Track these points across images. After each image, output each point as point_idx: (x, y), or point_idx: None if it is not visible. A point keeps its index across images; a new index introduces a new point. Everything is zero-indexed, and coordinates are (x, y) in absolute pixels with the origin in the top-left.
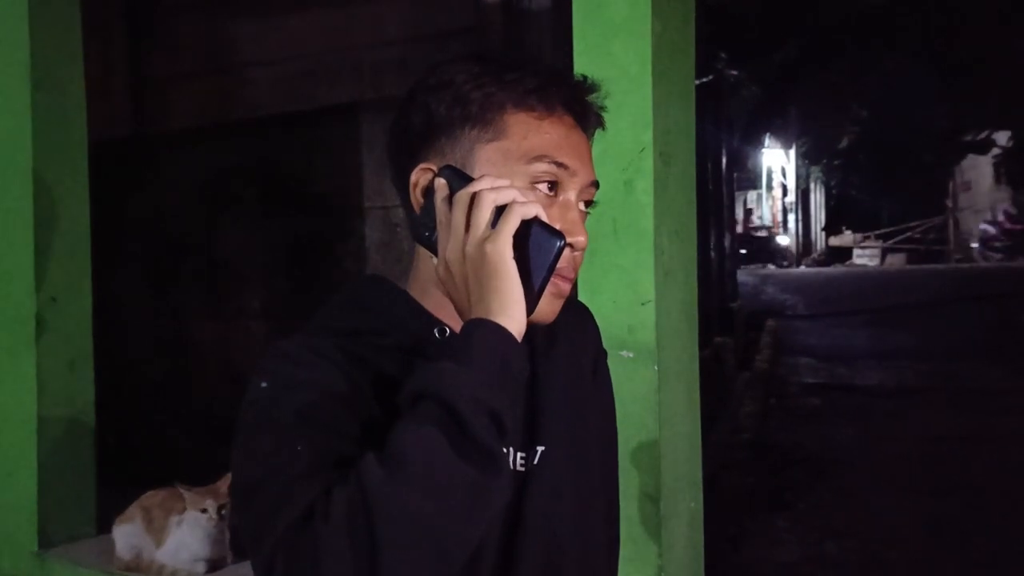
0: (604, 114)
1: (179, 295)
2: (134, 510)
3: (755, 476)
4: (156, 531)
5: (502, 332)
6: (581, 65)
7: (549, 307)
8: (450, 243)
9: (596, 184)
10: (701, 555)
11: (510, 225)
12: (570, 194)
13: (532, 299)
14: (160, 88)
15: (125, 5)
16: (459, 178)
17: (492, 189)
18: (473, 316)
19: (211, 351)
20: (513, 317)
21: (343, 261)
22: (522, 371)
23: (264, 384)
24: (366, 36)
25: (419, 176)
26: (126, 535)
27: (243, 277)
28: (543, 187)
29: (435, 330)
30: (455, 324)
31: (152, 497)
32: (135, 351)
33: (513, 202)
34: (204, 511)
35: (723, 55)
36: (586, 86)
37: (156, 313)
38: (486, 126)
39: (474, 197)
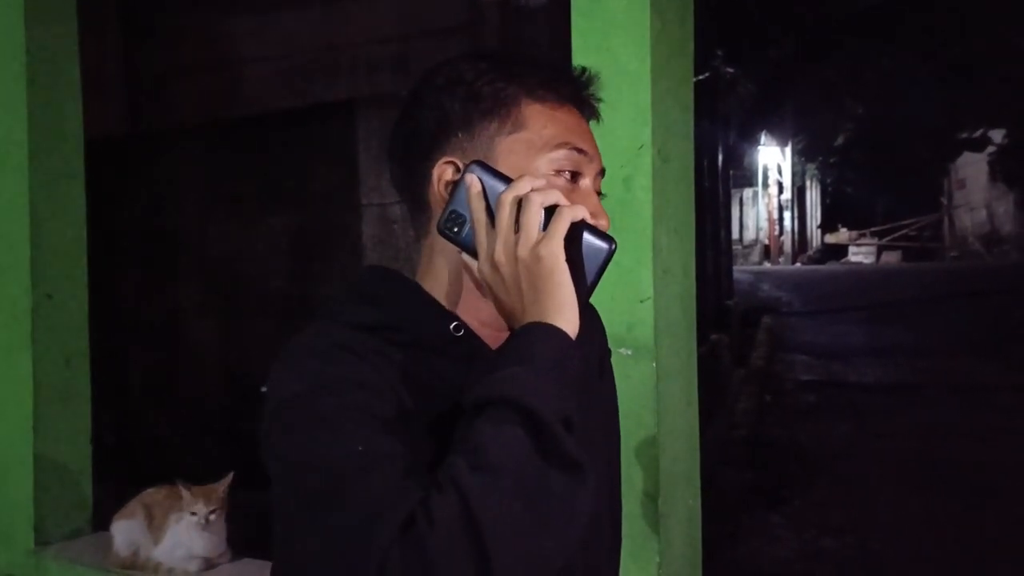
0: (602, 110)
1: (175, 291)
2: (135, 507)
3: (751, 472)
4: (156, 529)
5: (563, 336)
6: (580, 62)
7: None
8: (499, 245)
9: (604, 172)
10: (699, 552)
11: (562, 227)
12: (588, 180)
13: (582, 301)
14: (156, 85)
15: (120, 1)
16: (490, 174)
17: (538, 191)
18: (527, 319)
19: (207, 347)
20: (569, 320)
21: (339, 257)
22: (580, 375)
23: (302, 383)
24: (362, 33)
25: (443, 170)
26: (125, 531)
27: (239, 274)
28: (566, 175)
29: (451, 326)
30: (472, 321)
31: (154, 494)
32: (132, 348)
33: (560, 204)
34: (193, 514)
35: (719, 52)
36: (587, 78)
37: (152, 310)
38: (504, 119)
39: (521, 199)
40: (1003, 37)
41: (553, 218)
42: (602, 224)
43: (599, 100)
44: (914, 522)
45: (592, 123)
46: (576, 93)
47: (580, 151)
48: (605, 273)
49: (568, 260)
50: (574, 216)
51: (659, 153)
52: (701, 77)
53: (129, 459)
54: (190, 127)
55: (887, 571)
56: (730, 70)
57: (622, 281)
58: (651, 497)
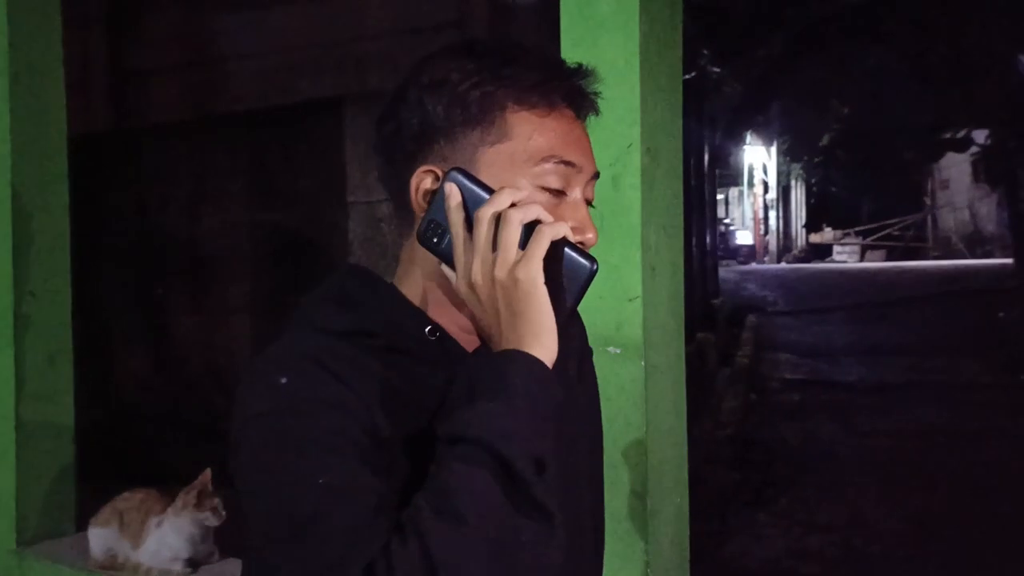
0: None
1: (160, 290)
2: (108, 514)
3: (737, 471)
4: (132, 535)
5: (539, 366)
6: (568, 59)
7: None
8: (476, 265)
9: (597, 175)
10: (687, 551)
11: (541, 248)
12: (576, 192)
13: (562, 323)
14: (141, 81)
15: None
16: (472, 182)
17: (517, 208)
18: (504, 343)
19: (192, 346)
20: (546, 346)
21: (326, 255)
22: (558, 405)
23: (269, 402)
24: (350, 29)
25: (421, 179)
26: (100, 537)
27: (225, 272)
28: (552, 189)
29: (427, 330)
30: (449, 324)
31: (127, 500)
32: (116, 346)
33: (541, 222)
34: (172, 516)
35: (705, 52)
36: (584, 74)
37: (137, 308)
38: (488, 128)
39: (499, 216)
40: (986, 38)
41: (532, 237)
42: (588, 238)
43: (597, 95)
44: (899, 520)
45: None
46: (571, 93)
47: (568, 163)
48: (596, 274)
49: (548, 281)
50: (555, 234)
51: (648, 152)
52: (687, 77)
53: (113, 458)
54: (175, 124)
55: (872, 569)
56: (716, 70)
57: (611, 280)
58: (639, 496)
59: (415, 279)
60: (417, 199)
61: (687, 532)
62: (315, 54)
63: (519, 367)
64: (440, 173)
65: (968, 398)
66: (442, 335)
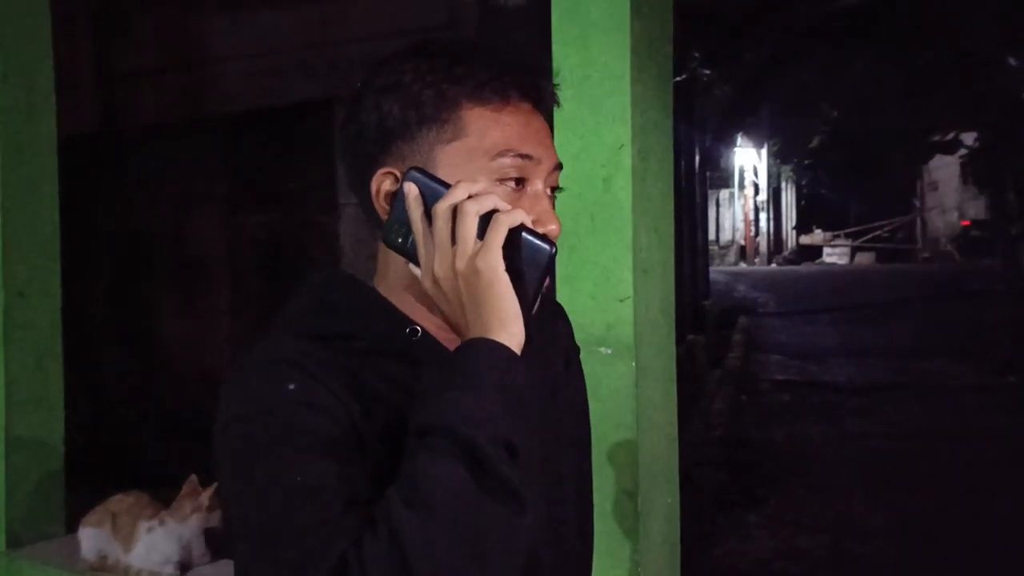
0: (582, 110)
1: (148, 292)
2: (102, 514)
3: (727, 472)
4: (124, 537)
5: (505, 352)
6: (559, 61)
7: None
8: (436, 259)
9: (560, 166)
10: (677, 551)
11: (498, 236)
12: (537, 184)
13: (527, 309)
14: (129, 82)
15: None
16: (430, 180)
17: (473, 200)
18: (471, 333)
19: (180, 348)
20: (512, 333)
21: (317, 258)
22: (525, 388)
23: (248, 405)
24: (340, 31)
25: (380, 181)
26: (92, 538)
27: (214, 274)
28: (510, 182)
29: (408, 331)
30: (429, 324)
31: (120, 502)
32: (104, 348)
33: (497, 211)
34: (162, 523)
35: (696, 54)
36: (538, 69)
37: (125, 310)
38: (443, 126)
39: (456, 209)
40: (975, 41)
41: (489, 227)
42: (551, 229)
43: (556, 86)
44: (888, 521)
45: (572, 124)
46: (525, 87)
47: (524, 156)
48: (585, 271)
49: (509, 269)
50: (511, 222)
51: (639, 153)
52: (678, 79)
53: (102, 461)
54: (164, 125)
55: (861, 570)
56: (706, 72)
57: (602, 280)
58: (630, 495)
59: (392, 279)
60: (379, 201)
61: (678, 532)
62: (305, 56)
63: (484, 354)
64: (399, 174)
65: (956, 400)
66: (423, 335)
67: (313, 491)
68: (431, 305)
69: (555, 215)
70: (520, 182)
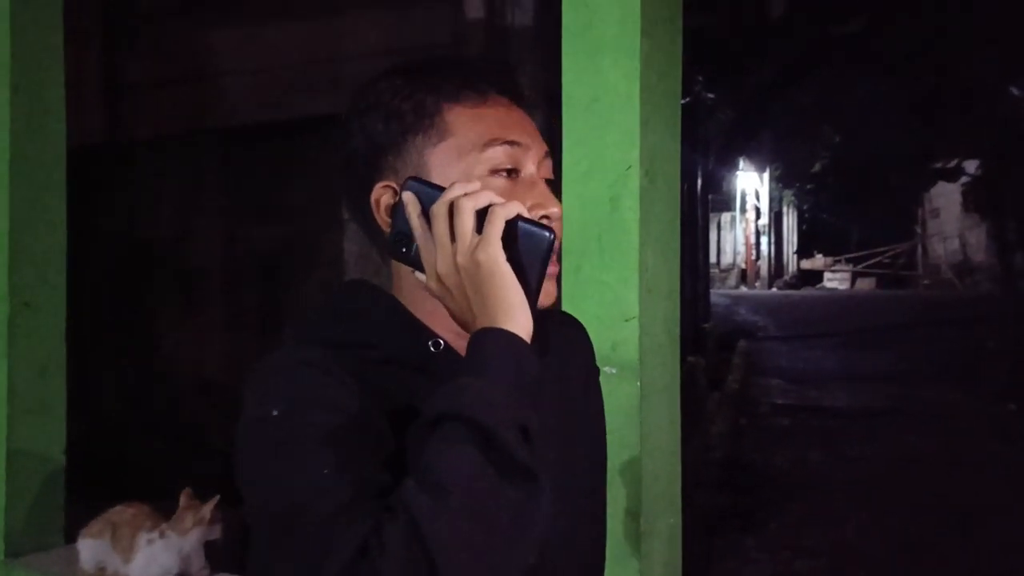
0: (591, 130)
1: (152, 303)
2: (102, 525)
3: (726, 495)
4: (123, 549)
5: (513, 339)
6: (569, 82)
7: (545, 293)
8: (438, 257)
9: (549, 154)
10: (680, 572)
11: (496, 228)
12: (530, 168)
13: (532, 296)
14: (135, 94)
15: (102, 10)
16: (426, 187)
17: (468, 196)
18: (478, 325)
19: (182, 359)
20: (519, 321)
21: (320, 272)
22: (536, 375)
23: (271, 403)
24: (345, 48)
25: (380, 195)
26: (91, 548)
27: (217, 287)
28: (502, 173)
29: (429, 343)
30: (448, 335)
31: (120, 513)
32: (103, 358)
33: (492, 204)
34: (163, 535)
35: (699, 78)
36: (505, 65)
37: (125, 320)
38: (428, 131)
39: (452, 207)
40: (978, 69)
41: (486, 220)
42: (553, 212)
43: (518, 85)
44: (886, 546)
45: (580, 144)
46: (500, 84)
47: (512, 143)
48: (591, 291)
49: (510, 260)
50: (507, 214)
51: (646, 174)
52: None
53: (103, 472)
54: (171, 137)
55: None
56: (710, 95)
57: (608, 300)
58: (633, 516)
59: (408, 291)
60: (380, 215)
61: (680, 552)
62: (311, 72)
63: (492, 342)
64: (396, 186)
65: (955, 426)
66: (445, 348)
67: (335, 482)
68: (440, 313)
69: (554, 197)
70: (512, 173)
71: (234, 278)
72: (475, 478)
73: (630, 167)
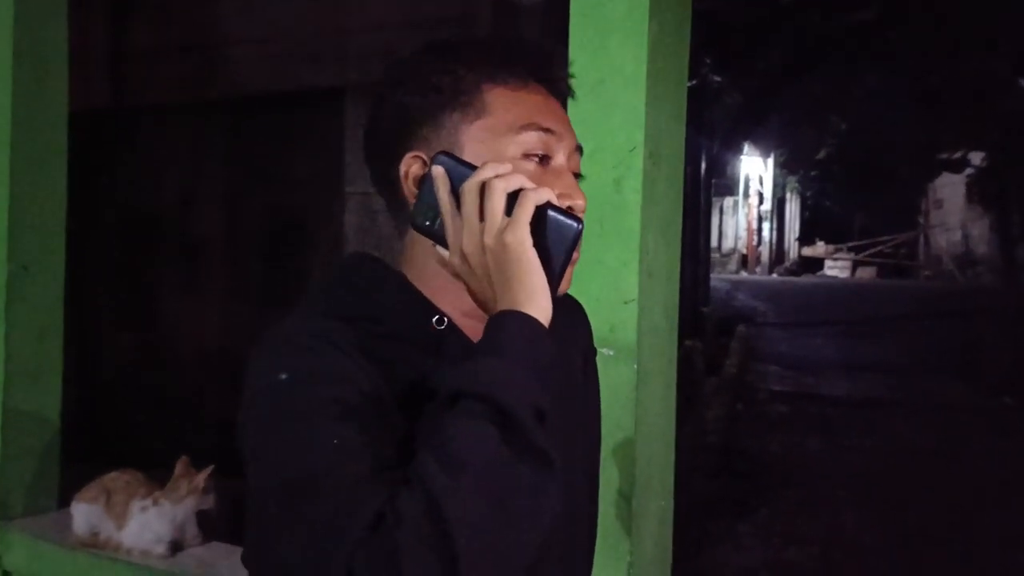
0: (596, 111)
1: (153, 271)
2: (97, 491)
3: (719, 480)
4: (117, 515)
5: (534, 323)
6: (576, 61)
7: (564, 280)
8: (465, 235)
9: (580, 149)
10: (670, 554)
11: (526, 213)
12: (561, 158)
13: (554, 284)
14: (141, 61)
15: None
16: (457, 163)
17: (501, 177)
18: (499, 307)
19: (183, 329)
20: (540, 306)
21: (321, 244)
22: (553, 361)
23: (279, 373)
24: (353, 20)
25: (409, 165)
26: (85, 513)
27: (218, 256)
28: (534, 159)
29: (433, 319)
30: (454, 313)
31: (115, 480)
32: (105, 325)
33: (524, 188)
34: (156, 503)
35: (707, 60)
36: (548, 54)
37: (126, 287)
38: (466, 107)
39: (484, 187)
40: (986, 62)
41: (517, 203)
42: (578, 204)
43: (570, 76)
44: (878, 536)
45: (585, 124)
46: (539, 70)
47: (547, 131)
48: (591, 272)
49: (536, 245)
50: (538, 199)
51: (650, 156)
52: (689, 84)
53: (99, 440)
54: (175, 105)
55: None
56: (717, 79)
57: (607, 282)
58: (625, 497)
59: (419, 267)
60: (408, 185)
61: (670, 534)
62: (318, 43)
63: (514, 324)
64: (426, 158)
65: (951, 418)
66: (449, 325)
67: (346, 453)
68: (457, 292)
69: (580, 190)
70: (544, 159)
71: (235, 248)
72: (493, 457)
73: (634, 148)
